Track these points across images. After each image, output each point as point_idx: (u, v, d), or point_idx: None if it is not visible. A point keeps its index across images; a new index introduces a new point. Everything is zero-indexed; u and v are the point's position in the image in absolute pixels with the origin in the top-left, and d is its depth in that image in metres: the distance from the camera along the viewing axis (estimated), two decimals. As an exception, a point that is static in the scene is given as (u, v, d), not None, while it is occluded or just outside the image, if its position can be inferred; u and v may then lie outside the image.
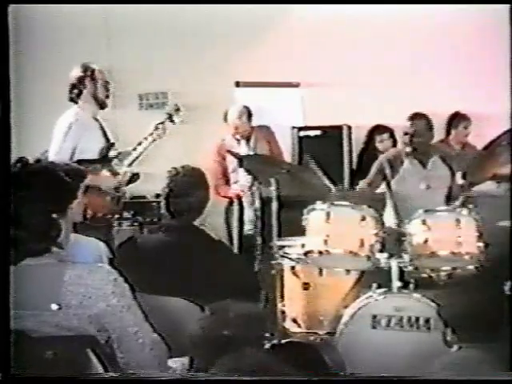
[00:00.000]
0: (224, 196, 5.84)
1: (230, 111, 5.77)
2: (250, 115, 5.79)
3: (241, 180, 5.63)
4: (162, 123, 4.61)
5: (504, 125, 3.46)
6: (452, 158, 4.67)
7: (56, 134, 4.43)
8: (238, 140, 5.64)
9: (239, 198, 5.76)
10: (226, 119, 5.79)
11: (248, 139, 5.66)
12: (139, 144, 4.54)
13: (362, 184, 4.75)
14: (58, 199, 2.33)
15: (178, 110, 4.73)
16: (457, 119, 6.04)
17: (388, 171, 4.62)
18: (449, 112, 6.07)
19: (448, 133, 6.07)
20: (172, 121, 4.67)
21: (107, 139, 4.56)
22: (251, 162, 4.53)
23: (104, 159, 4.49)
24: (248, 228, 5.64)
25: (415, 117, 4.61)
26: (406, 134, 4.60)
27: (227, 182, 5.82)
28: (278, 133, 6.10)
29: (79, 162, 4.31)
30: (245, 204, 5.71)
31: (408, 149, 4.56)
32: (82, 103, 4.51)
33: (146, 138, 4.56)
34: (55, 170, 2.39)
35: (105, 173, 4.45)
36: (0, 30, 2.38)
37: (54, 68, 6.20)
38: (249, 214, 5.60)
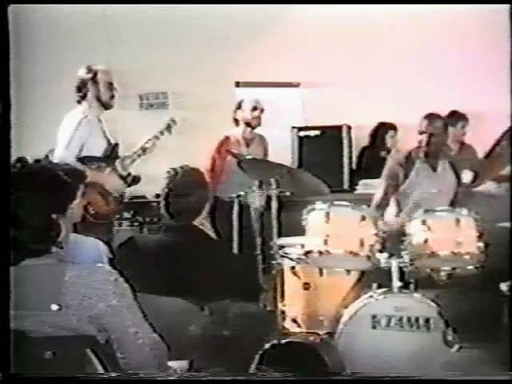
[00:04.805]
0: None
1: (246, 102, 5.66)
2: (262, 111, 5.68)
3: None
4: (157, 137, 4.68)
5: (504, 125, 3.46)
6: (460, 163, 4.62)
7: (65, 129, 4.47)
8: (238, 142, 5.61)
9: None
10: (239, 107, 5.66)
11: (248, 144, 5.65)
12: (136, 153, 4.61)
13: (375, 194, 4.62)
14: (58, 199, 2.33)
15: (173, 121, 4.78)
16: (455, 118, 5.97)
17: (401, 175, 4.54)
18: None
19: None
20: (169, 132, 4.74)
21: (108, 141, 4.61)
22: (251, 164, 4.53)
23: (108, 158, 4.54)
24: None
25: (432, 116, 4.54)
26: (422, 133, 4.49)
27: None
28: (278, 133, 6.09)
29: (86, 158, 4.37)
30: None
31: (425, 149, 4.47)
32: (87, 104, 4.57)
33: (143, 149, 4.62)
34: (55, 170, 2.39)
35: (109, 171, 4.50)
36: (0, 30, 2.38)
37: (54, 68, 6.23)
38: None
